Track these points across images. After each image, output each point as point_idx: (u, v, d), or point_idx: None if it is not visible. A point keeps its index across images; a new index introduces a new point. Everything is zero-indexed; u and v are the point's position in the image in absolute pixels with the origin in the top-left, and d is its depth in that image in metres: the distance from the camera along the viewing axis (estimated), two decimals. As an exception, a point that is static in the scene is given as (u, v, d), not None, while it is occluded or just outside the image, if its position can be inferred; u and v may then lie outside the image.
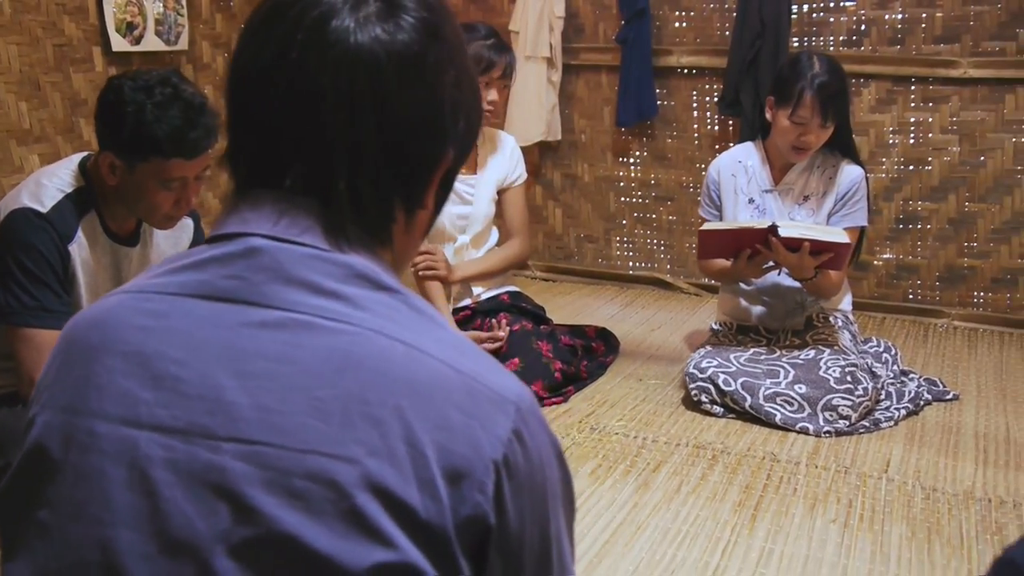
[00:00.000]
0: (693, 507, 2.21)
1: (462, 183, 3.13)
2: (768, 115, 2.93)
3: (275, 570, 0.74)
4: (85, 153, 2.23)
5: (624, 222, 4.45)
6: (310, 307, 0.80)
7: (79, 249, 2.09)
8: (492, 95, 3.00)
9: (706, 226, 2.89)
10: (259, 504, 0.74)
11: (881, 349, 3.15)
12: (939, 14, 3.72)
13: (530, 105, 4.26)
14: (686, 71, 4.18)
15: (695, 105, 4.20)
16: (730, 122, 4.12)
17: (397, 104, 0.84)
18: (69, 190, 2.11)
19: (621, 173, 4.41)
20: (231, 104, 0.89)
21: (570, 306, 4.05)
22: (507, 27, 4.30)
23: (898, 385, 2.95)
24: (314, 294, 0.81)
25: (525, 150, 4.39)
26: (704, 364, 2.82)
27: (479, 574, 0.79)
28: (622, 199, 4.43)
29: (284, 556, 0.74)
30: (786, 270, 2.86)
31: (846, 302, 3.14)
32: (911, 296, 3.95)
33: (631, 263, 4.47)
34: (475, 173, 3.16)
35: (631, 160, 4.38)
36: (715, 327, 3.20)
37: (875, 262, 3.98)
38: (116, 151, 2.04)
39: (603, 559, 1.97)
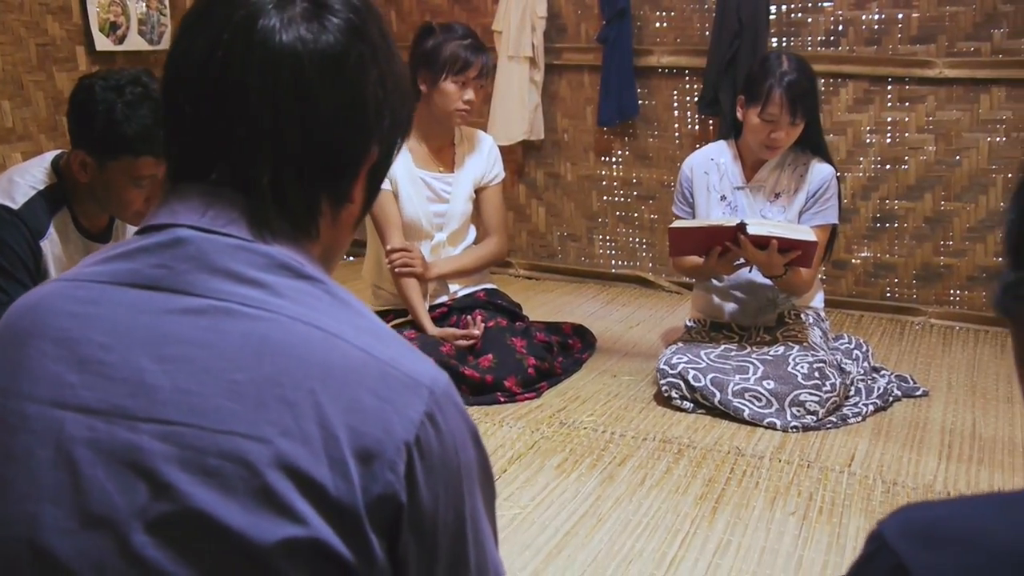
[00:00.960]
0: (655, 500, 2.24)
1: (439, 181, 3.17)
2: (739, 113, 2.97)
3: (189, 544, 0.78)
4: (59, 151, 2.26)
5: (606, 221, 4.49)
6: (231, 295, 0.84)
7: (51, 245, 2.13)
8: (468, 95, 3.04)
9: (676, 224, 2.93)
10: (174, 481, 0.78)
11: (852, 346, 3.18)
12: (915, 15, 3.76)
13: (513, 105, 4.29)
14: (667, 71, 4.22)
15: (676, 105, 4.24)
16: (710, 121, 4.15)
17: (320, 102, 0.88)
18: (41, 187, 2.15)
19: (603, 172, 4.45)
20: (164, 100, 0.93)
21: (551, 303, 4.09)
22: (490, 27, 4.34)
23: (868, 381, 2.98)
24: (236, 282, 0.84)
25: (508, 149, 4.45)
26: (675, 360, 2.86)
27: (393, 551, 0.83)
28: (604, 198, 4.47)
29: (197, 531, 0.77)
30: (757, 267, 2.90)
31: (818, 300, 3.18)
32: (888, 294, 3.99)
33: (613, 261, 4.51)
34: (452, 172, 3.20)
35: (613, 159, 4.41)
36: (689, 324, 3.24)
37: (853, 260, 4.02)
38: (87, 149, 2.08)
39: (562, 550, 2.01)
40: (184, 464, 0.78)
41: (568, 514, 2.17)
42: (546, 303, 4.09)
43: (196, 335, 0.82)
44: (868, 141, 3.90)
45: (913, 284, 3.93)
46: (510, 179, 4.61)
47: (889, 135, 3.87)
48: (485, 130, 4.28)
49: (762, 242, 2.77)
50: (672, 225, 2.91)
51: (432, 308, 3.17)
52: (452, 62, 2.99)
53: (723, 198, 3.06)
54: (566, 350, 3.26)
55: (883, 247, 3.96)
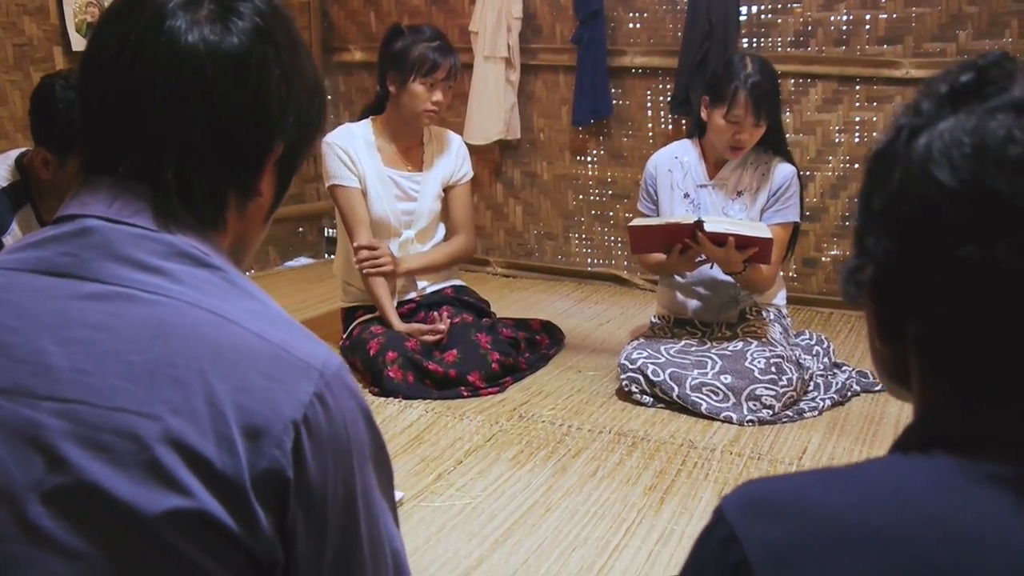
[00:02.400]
0: (605, 490, 2.29)
1: (408, 180, 3.22)
2: (704, 114, 3.01)
3: (81, 515, 0.82)
4: (22, 149, 2.31)
5: (582, 220, 4.54)
6: (133, 281, 0.89)
7: (13, 241, 2.18)
8: (437, 96, 3.09)
9: (635, 222, 2.98)
10: (69, 455, 0.83)
11: (813, 342, 3.23)
12: (882, 16, 3.81)
13: (489, 104, 4.35)
14: (640, 71, 4.27)
15: (649, 104, 4.29)
16: (683, 121, 4.20)
17: (223, 99, 0.93)
18: (4, 184, 2.20)
19: (579, 171, 4.50)
20: (79, 97, 0.99)
21: (526, 301, 4.14)
22: (467, 28, 4.39)
23: (827, 377, 3.03)
24: (138, 269, 0.89)
25: (486, 148, 4.50)
26: (635, 355, 2.91)
27: (282, 524, 0.88)
28: (580, 197, 4.52)
29: (89, 502, 0.82)
30: (717, 264, 2.95)
31: (780, 297, 3.23)
32: (858, 292, 4.03)
33: (589, 260, 4.56)
34: (421, 170, 3.25)
35: (588, 158, 4.47)
36: (654, 320, 3.29)
37: (822, 259, 4.07)
38: (49, 147, 2.13)
39: (509, 537, 2.06)
40: (79, 439, 0.83)
41: (518, 504, 2.22)
42: (521, 300, 4.14)
43: (97, 319, 0.87)
44: (837, 140, 3.95)
45: (882, 282, 3.97)
46: (487, 178, 4.67)
47: (858, 134, 3.92)
48: (462, 130, 4.35)
49: (720, 239, 2.81)
50: (632, 223, 2.96)
51: (400, 304, 3.22)
52: (420, 64, 3.03)
53: (686, 196, 3.11)
54: (533, 346, 3.31)
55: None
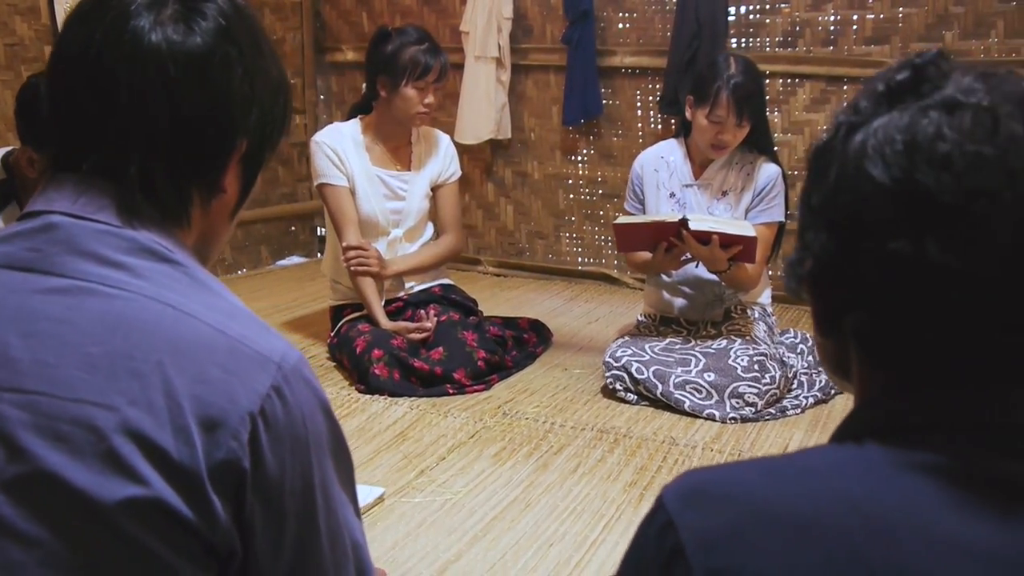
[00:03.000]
0: (585, 487, 2.31)
1: (396, 179, 3.24)
2: (688, 114, 3.03)
3: (40, 503, 0.85)
4: (8, 148, 2.34)
5: (573, 219, 4.56)
6: (95, 275, 0.91)
7: None
8: (429, 98, 3.11)
9: (620, 220, 3.00)
10: (28, 445, 0.85)
11: (797, 340, 3.25)
12: (869, 16, 3.83)
13: (480, 104, 4.37)
14: (630, 71, 4.29)
15: (639, 104, 4.31)
16: (672, 121, 4.21)
17: (185, 98, 0.95)
18: (-10, 182, 2.22)
19: (569, 171, 4.52)
20: (47, 95, 1.01)
21: (516, 300, 4.16)
22: (459, 28, 4.41)
23: (811, 375, 3.05)
24: (100, 264, 0.92)
25: (477, 148, 4.53)
26: (619, 353, 2.93)
27: (239, 514, 0.89)
28: (571, 196, 4.54)
29: (48, 490, 0.84)
30: (702, 262, 2.97)
31: (765, 296, 3.25)
32: (846, 291, 4.05)
33: (580, 259, 4.58)
34: (409, 170, 3.27)
35: (579, 158, 4.49)
36: (640, 319, 3.31)
37: (811, 258, 4.08)
38: (34, 145, 2.15)
39: (487, 533, 2.08)
40: (38, 430, 0.85)
41: (498, 500, 2.24)
42: (511, 299, 4.16)
43: (59, 312, 0.89)
44: (825, 140, 3.96)
45: (869, 281, 3.99)
46: (479, 178, 4.70)
47: (845, 135, 3.93)
48: (453, 129, 4.37)
49: (704, 238, 2.83)
50: (616, 221, 2.98)
51: (388, 303, 3.24)
52: (412, 68, 3.05)
53: (672, 195, 3.13)
54: (521, 344, 3.33)
55: (840, 245, 4.02)
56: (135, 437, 0.85)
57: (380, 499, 2.20)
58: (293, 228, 4.86)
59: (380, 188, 3.21)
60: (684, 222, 2.84)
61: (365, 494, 2.18)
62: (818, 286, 0.81)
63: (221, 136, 0.99)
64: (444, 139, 3.36)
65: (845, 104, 0.83)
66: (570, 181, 4.53)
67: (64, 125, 0.98)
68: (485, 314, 3.46)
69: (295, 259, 4.77)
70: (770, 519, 0.71)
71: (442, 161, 3.32)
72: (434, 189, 3.32)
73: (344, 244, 3.12)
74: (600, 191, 4.47)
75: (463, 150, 4.58)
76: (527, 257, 4.68)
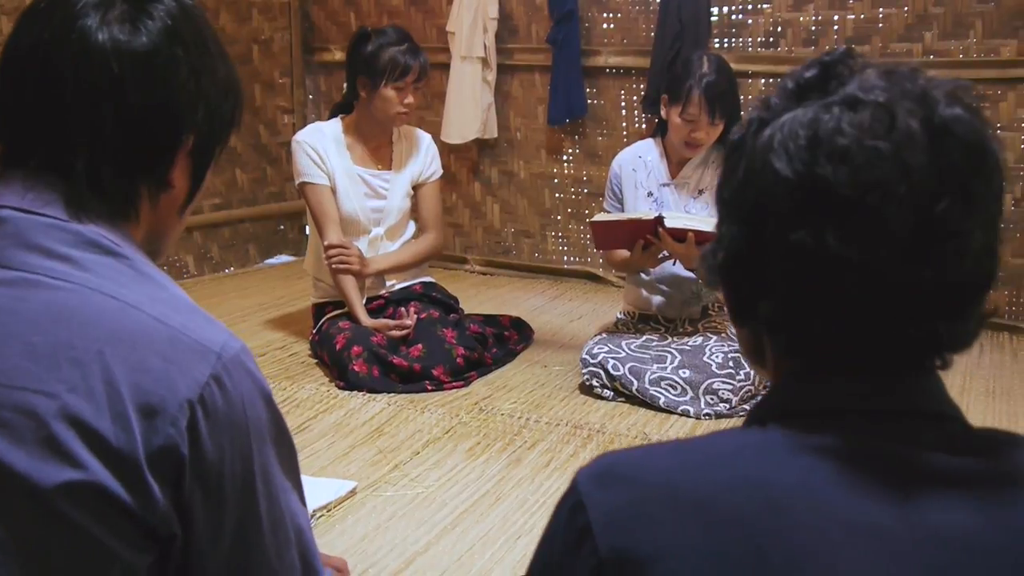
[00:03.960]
0: (556, 481, 2.34)
1: (377, 178, 3.27)
2: (663, 112, 3.07)
3: (-18, 486, 0.88)
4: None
5: (558, 218, 4.59)
6: (40, 268, 0.94)
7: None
8: (408, 99, 3.14)
9: (596, 217, 3.03)
10: None
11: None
12: (850, 17, 3.86)
13: (466, 104, 4.40)
14: (614, 71, 4.32)
15: (623, 104, 4.34)
16: (656, 120, 4.24)
17: (130, 96, 0.98)
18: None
19: (555, 170, 4.55)
20: None
21: (501, 298, 4.19)
22: (445, 28, 4.44)
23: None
24: (46, 257, 0.95)
25: (463, 147, 4.56)
26: (596, 350, 2.96)
27: (179, 498, 0.92)
28: (557, 195, 4.57)
29: None
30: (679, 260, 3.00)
31: (742, 292, 3.27)
32: (828, 289, 4.08)
33: (565, 257, 4.61)
34: (390, 169, 3.30)
35: (564, 157, 4.52)
36: (620, 316, 3.34)
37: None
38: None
39: (457, 526, 2.11)
40: None
41: (470, 493, 2.27)
42: (496, 298, 4.20)
43: (5, 303, 0.93)
44: (806, 140, 3.99)
45: (851, 279, 4.02)
46: (465, 177, 4.73)
47: (826, 134, 3.96)
48: (440, 129, 4.40)
49: (680, 235, 2.86)
50: (593, 218, 3.02)
51: (369, 300, 3.27)
52: (391, 69, 3.08)
53: (650, 194, 3.16)
54: (502, 342, 3.36)
55: (821, 243, 4.06)
56: (74, 423, 0.88)
57: (352, 492, 2.23)
58: (282, 227, 4.89)
59: (361, 187, 3.24)
60: (660, 220, 2.87)
61: (337, 488, 2.22)
62: (731, 277, 0.85)
63: (167, 132, 1.02)
64: (425, 138, 3.39)
65: (758, 101, 0.86)
66: (556, 180, 4.56)
67: (12, 121, 1.01)
68: (468, 312, 3.50)
69: (283, 258, 4.80)
70: (671, 499, 0.74)
71: (423, 160, 3.35)
72: (415, 188, 3.35)
73: (325, 243, 3.15)
74: (585, 190, 4.50)
75: (450, 150, 4.63)
76: (513, 256, 4.71)
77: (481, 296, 4.19)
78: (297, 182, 3.24)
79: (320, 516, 2.12)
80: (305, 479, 2.19)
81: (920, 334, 0.77)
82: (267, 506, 1.00)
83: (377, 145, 3.28)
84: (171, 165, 1.04)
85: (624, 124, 4.35)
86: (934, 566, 0.70)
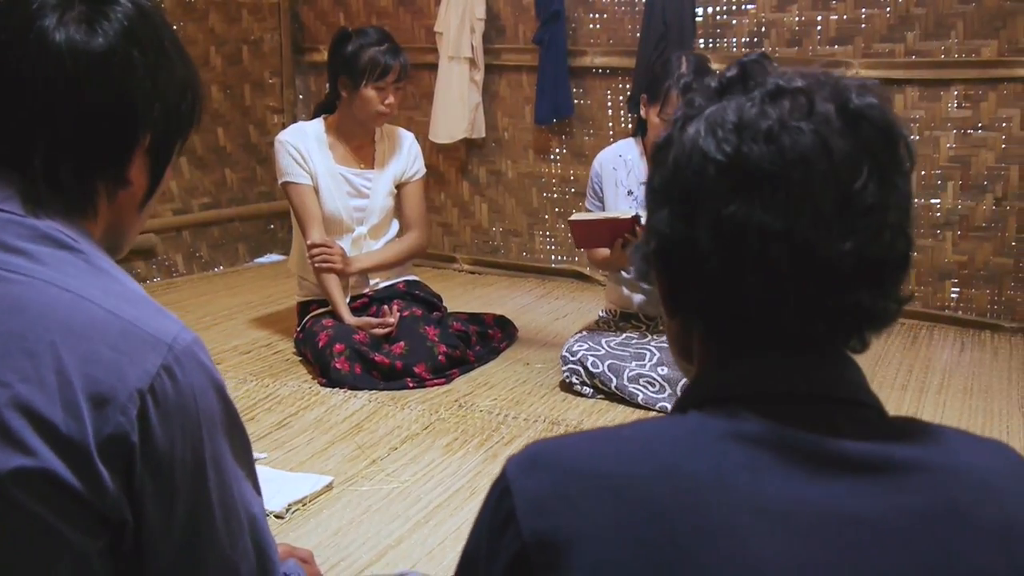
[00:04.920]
0: (531, 475, 2.36)
1: (359, 177, 3.30)
2: (643, 112, 3.09)
3: (-65, 473, 0.90)
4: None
5: (546, 217, 4.62)
6: None
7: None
8: (389, 99, 3.17)
9: (575, 216, 3.06)
10: None
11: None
12: (833, 17, 3.89)
13: (454, 104, 4.43)
14: (600, 71, 4.35)
15: (610, 104, 4.37)
16: (637, 119, 4.27)
17: (87, 94, 1.01)
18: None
19: (543, 169, 4.58)
20: None
21: (488, 297, 4.22)
22: (432, 28, 4.47)
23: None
24: (2, 251, 0.98)
25: (452, 147, 4.59)
26: (576, 348, 2.99)
27: (129, 485, 0.95)
28: (544, 195, 4.60)
29: None
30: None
31: (723, 291, 3.29)
32: (812, 288, 4.11)
33: (553, 256, 4.64)
34: (372, 168, 3.33)
35: (552, 157, 4.55)
36: (601, 314, 3.37)
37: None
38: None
39: (430, 519, 2.14)
40: None
41: (444, 488, 2.29)
42: (483, 296, 4.22)
43: None
44: (790, 139, 4.02)
45: (835, 278, 4.05)
46: (454, 176, 4.76)
47: (810, 134, 3.99)
48: (427, 129, 4.43)
49: (658, 234, 2.88)
50: (571, 217, 3.05)
51: (353, 299, 3.30)
52: (372, 69, 3.11)
53: (630, 193, 3.19)
54: (485, 339, 3.39)
55: (805, 242, 4.09)
56: (25, 412, 0.91)
57: (328, 487, 2.26)
58: (271, 226, 4.92)
59: (343, 186, 3.27)
60: (637, 218, 2.90)
61: (313, 482, 2.25)
62: (662, 263, 0.88)
63: (123, 130, 1.05)
64: (408, 137, 3.42)
65: (682, 103, 0.90)
66: (543, 180, 4.59)
67: None
68: (454, 310, 3.53)
69: (273, 257, 4.83)
70: (590, 484, 0.77)
71: (406, 159, 3.37)
72: (398, 187, 3.38)
73: (308, 242, 3.18)
74: (572, 190, 4.53)
75: (438, 149, 4.66)
76: (502, 255, 4.74)
77: (468, 295, 4.22)
78: (280, 181, 3.27)
79: (295, 510, 2.15)
80: (281, 474, 2.25)
81: (842, 308, 0.81)
82: (219, 494, 1.02)
83: (359, 144, 3.31)
84: (128, 163, 1.07)
85: (610, 124, 4.38)
86: (839, 547, 0.73)
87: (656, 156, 0.89)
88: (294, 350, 3.32)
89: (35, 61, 1.00)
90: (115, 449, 0.93)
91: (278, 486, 2.20)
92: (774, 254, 0.78)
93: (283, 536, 2.01)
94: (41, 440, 0.91)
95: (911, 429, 0.82)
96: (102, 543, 0.96)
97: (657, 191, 0.87)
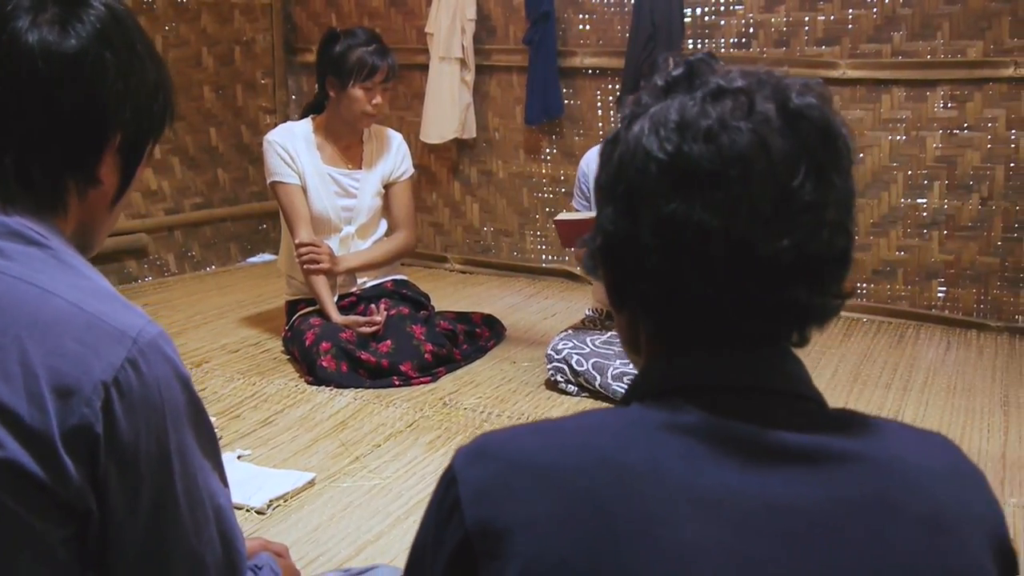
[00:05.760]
0: (512, 472, 2.39)
1: (347, 177, 3.32)
2: (629, 112, 3.11)
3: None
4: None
5: (537, 217, 4.64)
6: None
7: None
8: (376, 99, 3.19)
9: (560, 216, 3.08)
10: None
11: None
12: (820, 18, 3.91)
13: (444, 104, 4.44)
14: (590, 71, 4.37)
15: (599, 104, 4.39)
16: (630, 120, 4.30)
17: (58, 95, 1.04)
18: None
19: (533, 169, 4.60)
20: None
21: (478, 296, 4.24)
22: (424, 29, 4.50)
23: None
24: None
25: (443, 147, 4.61)
26: (560, 346, 3.01)
27: (94, 475, 0.97)
28: (535, 194, 4.62)
29: None
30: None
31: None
32: (800, 287, 4.13)
33: (543, 256, 4.66)
34: (360, 168, 3.35)
35: (542, 157, 4.57)
36: (588, 313, 3.39)
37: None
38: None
39: (411, 515, 2.16)
40: None
41: (425, 485, 2.31)
42: (473, 295, 4.25)
43: None
44: (778, 139, 4.04)
45: (822, 277, 4.07)
46: (446, 176, 4.78)
47: (797, 134, 4.01)
48: (419, 129, 4.45)
49: (641, 233, 2.91)
50: (557, 217, 3.07)
51: (341, 298, 3.32)
52: (359, 69, 3.13)
53: (616, 193, 3.21)
54: (472, 338, 3.41)
55: (793, 242, 4.11)
56: None
57: (311, 483, 2.28)
58: (263, 226, 4.94)
59: (331, 186, 3.29)
60: (622, 218, 2.91)
61: (295, 479, 2.27)
62: (609, 259, 0.90)
63: (94, 130, 1.07)
64: (396, 138, 3.44)
65: (630, 100, 0.92)
66: (534, 180, 4.61)
67: None
68: (444, 310, 3.55)
69: (265, 256, 4.85)
70: (531, 473, 0.79)
71: (394, 159, 3.40)
72: (387, 187, 3.40)
73: (296, 241, 3.20)
74: (563, 189, 4.55)
75: (430, 149, 4.68)
76: (493, 254, 4.76)
77: (459, 294, 4.24)
78: (268, 181, 3.29)
79: (277, 506, 2.17)
80: (264, 470, 2.27)
81: (780, 304, 0.83)
82: (184, 485, 1.04)
83: (347, 144, 3.33)
84: (98, 162, 1.09)
85: (600, 124, 4.40)
86: (772, 536, 0.75)
87: (603, 153, 0.91)
88: (282, 349, 3.34)
89: (8, 61, 1.02)
90: (80, 440, 0.95)
91: (260, 482, 2.23)
92: (712, 251, 0.80)
93: (263, 532, 2.03)
94: (6, 431, 0.93)
95: (849, 421, 0.84)
96: (67, 532, 0.97)
97: (603, 188, 0.90)
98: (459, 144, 4.66)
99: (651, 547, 0.74)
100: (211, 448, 1.11)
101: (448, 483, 0.83)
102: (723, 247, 0.80)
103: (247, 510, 2.13)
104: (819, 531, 0.75)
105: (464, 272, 4.73)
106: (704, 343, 0.85)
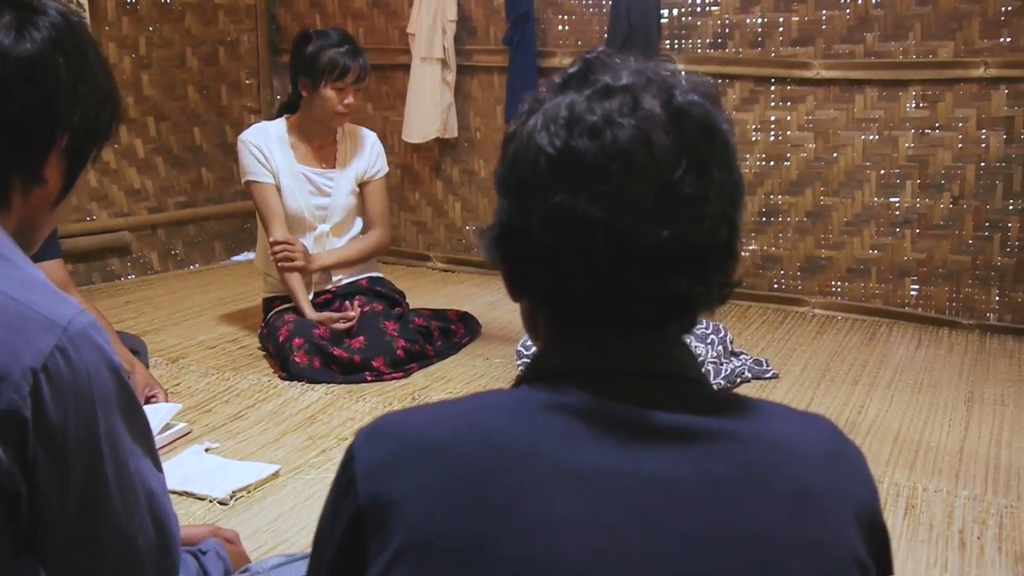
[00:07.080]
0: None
1: (321, 176, 3.36)
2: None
3: None
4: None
5: (517, 215, 4.67)
6: None
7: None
8: (348, 99, 3.23)
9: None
10: None
11: (709, 331, 3.36)
12: (795, 18, 3.95)
13: (426, 104, 4.49)
14: (569, 72, 4.40)
15: (578, 104, 4.42)
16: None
17: (11, 96, 1.09)
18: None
19: (514, 169, 4.63)
20: None
21: (457, 294, 4.28)
22: (406, 30, 4.54)
23: (718, 363, 3.17)
24: None
25: (425, 147, 4.65)
26: (529, 342, 3.04)
27: (23, 457, 1.02)
28: (516, 194, 4.65)
29: None
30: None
31: (679, 287, 3.35)
32: (776, 286, 4.18)
33: (524, 255, 4.69)
34: (334, 167, 3.39)
35: (523, 156, 4.59)
36: (561, 310, 3.43)
37: (742, 253, 4.20)
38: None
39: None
40: None
41: (388, 477, 2.35)
42: (453, 293, 4.29)
43: None
44: (754, 139, 4.09)
45: (798, 276, 4.12)
46: (428, 176, 4.82)
47: (773, 133, 4.06)
48: (401, 129, 4.49)
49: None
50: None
51: (317, 295, 3.36)
52: (330, 69, 3.17)
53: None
54: (447, 335, 3.45)
55: (769, 240, 4.16)
56: None
57: (275, 475, 2.32)
58: (247, 225, 4.98)
59: (305, 185, 3.33)
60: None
61: (259, 471, 2.31)
62: (505, 249, 0.94)
63: (42, 130, 1.13)
64: (370, 137, 3.49)
65: (529, 96, 0.96)
66: (515, 179, 4.64)
67: None
68: (424, 307, 3.59)
69: (248, 255, 4.88)
70: (419, 449, 0.84)
71: (368, 158, 3.44)
72: (361, 185, 3.44)
73: (271, 239, 3.24)
74: (543, 189, 4.58)
75: (412, 149, 4.73)
76: (474, 253, 4.79)
77: (438, 292, 4.28)
78: (243, 180, 3.34)
79: (239, 497, 2.21)
80: (229, 462, 2.31)
81: (661, 292, 0.87)
82: (114, 469, 1.09)
83: (321, 144, 3.38)
84: (44, 161, 1.14)
85: (579, 124, 4.43)
86: (638, 508, 0.79)
87: (504, 147, 0.95)
88: (259, 345, 3.39)
89: None
90: (8, 423, 0.99)
91: (225, 474, 2.27)
92: (597, 242, 0.84)
93: (225, 521, 2.07)
94: None
95: (730, 404, 0.89)
96: (-2, 513, 1.02)
97: (500, 181, 0.94)
98: (441, 144, 4.70)
99: (525, 519, 0.78)
100: (143, 434, 1.16)
101: (347, 461, 0.87)
102: (606, 238, 0.84)
103: (210, 501, 2.17)
104: (682, 504, 0.80)
105: (446, 271, 4.77)
106: (593, 329, 0.89)
